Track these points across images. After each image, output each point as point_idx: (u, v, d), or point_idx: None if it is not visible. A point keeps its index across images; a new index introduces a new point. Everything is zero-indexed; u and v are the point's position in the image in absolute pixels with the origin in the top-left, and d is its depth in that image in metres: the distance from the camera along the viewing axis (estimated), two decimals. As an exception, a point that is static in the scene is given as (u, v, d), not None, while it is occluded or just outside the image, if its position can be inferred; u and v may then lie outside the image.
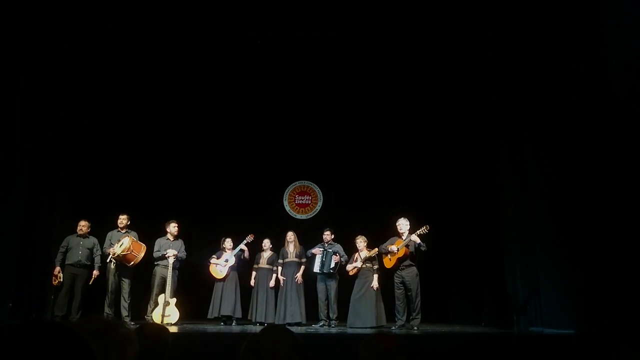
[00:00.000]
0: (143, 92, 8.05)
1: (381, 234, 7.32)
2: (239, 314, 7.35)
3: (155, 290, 6.95)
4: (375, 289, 6.87)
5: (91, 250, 6.88)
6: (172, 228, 7.24)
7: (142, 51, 7.24)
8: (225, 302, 7.26)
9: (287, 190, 9.69)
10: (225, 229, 8.15)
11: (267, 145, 9.25)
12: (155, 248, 7.09)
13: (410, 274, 6.60)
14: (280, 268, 7.42)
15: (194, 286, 7.77)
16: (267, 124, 9.03)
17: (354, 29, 6.83)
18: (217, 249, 7.66)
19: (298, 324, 6.99)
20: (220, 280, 7.38)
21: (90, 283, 6.78)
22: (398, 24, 6.72)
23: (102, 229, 7.07)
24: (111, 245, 6.84)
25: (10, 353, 0.86)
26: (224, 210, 9.08)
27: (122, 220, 7.02)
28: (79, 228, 6.86)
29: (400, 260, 6.64)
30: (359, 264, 7.03)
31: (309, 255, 7.36)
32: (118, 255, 6.66)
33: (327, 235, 7.38)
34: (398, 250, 6.61)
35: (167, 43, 7.12)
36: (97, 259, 6.89)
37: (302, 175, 9.69)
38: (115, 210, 7.25)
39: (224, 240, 7.57)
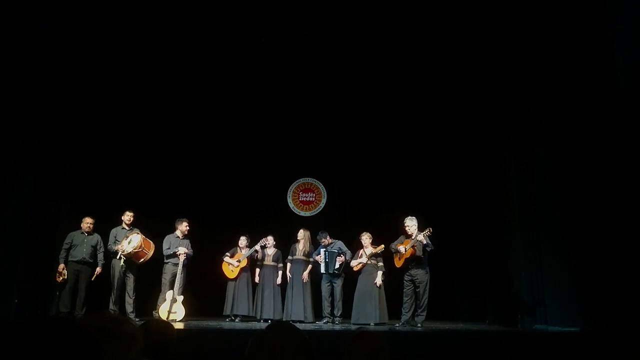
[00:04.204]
0: (147, 90, 8.05)
1: (385, 231, 7.33)
2: (253, 312, 7.32)
3: (168, 287, 6.98)
4: (379, 286, 6.88)
5: (95, 247, 6.91)
6: (184, 227, 7.29)
7: (148, 49, 7.25)
8: (239, 302, 7.25)
9: (291, 188, 9.70)
10: (229, 226, 8.19)
11: (271, 142, 9.25)
12: (165, 246, 7.13)
13: (420, 272, 6.63)
14: (289, 265, 7.42)
15: (200, 284, 7.78)
16: (271, 121, 9.02)
17: (359, 27, 6.81)
18: (220, 247, 7.65)
19: (300, 322, 6.98)
20: (232, 279, 7.38)
21: (92, 279, 6.81)
22: (405, 21, 6.69)
23: (104, 225, 7.09)
24: (116, 242, 6.87)
25: (18, 348, 0.86)
26: (227, 208, 9.11)
27: (130, 217, 7.05)
28: (86, 225, 6.88)
29: (407, 261, 6.68)
30: (364, 260, 7.04)
31: (312, 262, 7.34)
32: (129, 253, 6.69)
33: (324, 242, 7.34)
34: (405, 250, 6.63)
35: (172, 41, 7.12)
36: (101, 256, 6.92)
37: (306, 172, 9.69)
38: (118, 207, 7.29)
39: (240, 239, 7.54)
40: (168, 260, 7.11)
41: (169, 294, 6.89)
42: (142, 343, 1.47)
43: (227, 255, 7.43)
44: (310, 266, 7.34)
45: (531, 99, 6.60)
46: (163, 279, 7.07)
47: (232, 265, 7.35)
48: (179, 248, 7.08)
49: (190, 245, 7.29)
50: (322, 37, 7.06)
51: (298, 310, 7.17)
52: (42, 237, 6.58)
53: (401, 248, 6.69)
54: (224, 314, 7.27)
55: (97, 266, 6.87)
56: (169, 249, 7.11)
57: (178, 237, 7.27)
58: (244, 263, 7.35)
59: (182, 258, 7.01)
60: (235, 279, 7.34)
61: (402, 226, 6.85)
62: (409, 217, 6.86)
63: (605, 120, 5.19)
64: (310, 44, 7.23)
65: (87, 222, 6.90)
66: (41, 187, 6.54)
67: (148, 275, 7.20)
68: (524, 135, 6.75)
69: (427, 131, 8.86)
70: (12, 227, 6.02)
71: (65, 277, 6.62)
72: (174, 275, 6.99)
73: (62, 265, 6.65)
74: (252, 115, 8.91)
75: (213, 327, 6.18)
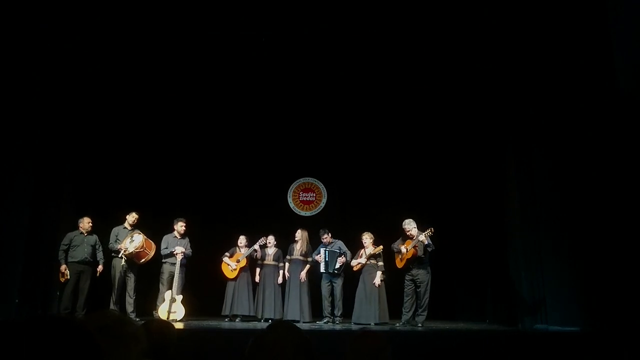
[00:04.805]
0: (148, 90, 8.06)
1: (385, 231, 7.33)
2: (254, 312, 7.33)
3: (165, 287, 7.01)
4: (377, 286, 6.88)
5: (94, 246, 6.92)
6: (180, 227, 7.30)
7: (148, 49, 7.25)
8: (239, 302, 7.24)
9: (291, 187, 9.70)
10: (230, 226, 8.17)
11: (271, 142, 9.24)
12: (163, 245, 7.15)
13: (421, 272, 6.64)
14: (287, 264, 7.42)
15: (200, 284, 7.78)
16: (271, 121, 9.02)
17: (359, 27, 6.81)
18: (220, 247, 7.65)
19: (296, 322, 6.95)
20: (231, 279, 7.38)
21: (97, 276, 6.84)
22: (405, 21, 6.70)
23: (103, 224, 7.10)
24: (117, 241, 6.87)
25: (18, 348, 0.86)
26: (228, 208, 9.10)
27: (134, 218, 7.07)
28: (87, 225, 6.87)
29: (409, 262, 6.68)
30: (363, 260, 7.04)
31: (313, 262, 7.34)
32: (131, 253, 6.70)
33: (325, 239, 7.35)
34: (407, 251, 6.63)
35: (172, 41, 7.13)
36: (100, 254, 6.94)
37: (307, 172, 9.69)
38: (118, 207, 7.31)
39: (239, 238, 7.54)
40: (165, 260, 7.14)
41: (167, 294, 6.90)
42: (145, 344, 1.47)
43: (227, 255, 7.43)
44: (308, 266, 7.34)
45: (531, 99, 6.59)
46: (161, 279, 7.10)
47: (231, 266, 7.34)
48: (176, 247, 7.09)
49: (189, 245, 7.31)
50: (322, 37, 7.06)
51: (294, 310, 7.17)
52: (42, 237, 6.59)
53: (403, 248, 6.70)
54: (222, 314, 7.27)
55: (98, 265, 6.88)
56: (166, 248, 7.14)
57: (176, 237, 7.28)
58: (243, 263, 7.35)
59: (179, 257, 7.02)
60: (235, 279, 7.34)
61: (402, 230, 6.83)
62: (407, 220, 6.84)
63: (605, 121, 5.19)
64: (310, 44, 7.23)
65: (87, 222, 6.90)
66: (41, 187, 6.55)
67: (148, 275, 7.20)
68: (524, 135, 6.75)
69: (427, 131, 8.86)
70: (12, 227, 6.03)
71: (68, 277, 6.62)
72: (171, 275, 7.01)
73: (64, 266, 6.64)
74: (252, 115, 8.91)
75: (213, 327, 6.18)
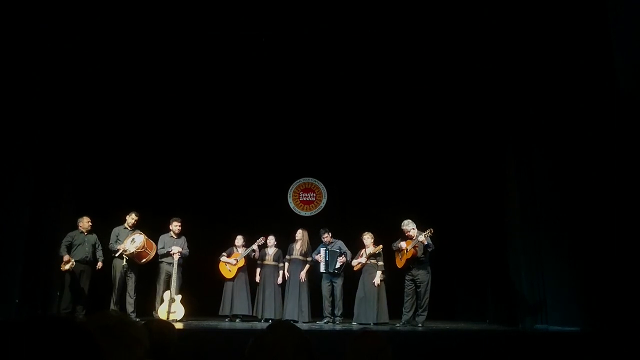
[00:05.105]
0: (148, 90, 8.06)
1: (385, 231, 7.32)
2: (252, 312, 7.32)
3: (162, 286, 7.00)
4: (377, 285, 6.88)
5: (94, 246, 6.93)
6: (175, 227, 7.29)
7: (148, 49, 7.25)
8: (238, 302, 7.25)
9: (291, 187, 9.70)
10: (230, 226, 8.17)
11: (271, 142, 9.24)
12: (160, 245, 7.14)
13: (421, 272, 6.64)
14: (286, 264, 7.42)
15: (200, 283, 7.77)
16: (271, 121, 9.03)
17: (359, 27, 6.81)
18: (220, 247, 7.65)
19: (294, 322, 6.93)
20: (229, 279, 7.38)
21: (97, 270, 6.84)
22: (404, 21, 6.70)
23: (103, 224, 7.10)
24: (117, 241, 6.87)
25: (18, 348, 0.86)
26: (228, 208, 9.09)
27: (134, 219, 7.05)
28: (86, 224, 6.87)
29: (409, 262, 6.68)
30: (363, 259, 7.04)
31: (313, 261, 7.34)
32: (132, 253, 6.70)
33: (326, 238, 7.36)
34: (407, 250, 6.63)
35: (172, 41, 7.13)
36: (100, 253, 6.95)
37: (307, 172, 9.69)
38: (118, 207, 7.30)
39: (236, 238, 7.55)
40: (162, 260, 7.13)
41: (166, 294, 6.89)
42: (147, 345, 1.47)
43: (224, 255, 7.43)
44: (307, 266, 7.33)
45: (531, 99, 6.60)
46: (158, 279, 7.08)
47: (229, 265, 7.33)
48: (173, 247, 7.09)
49: (186, 245, 7.29)
50: (322, 37, 7.06)
51: (292, 310, 7.17)
52: (42, 237, 6.59)
53: (403, 244, 6.70)
54: (220, 314, 7.26)
55: (97, 263, 6.88)
56: (163, 248, 7.13)
57: (172, 236, 7.27)
58: (241, 263, 7.35)
59: (176, 257, 7.02)
60: (232, 279, 7.34)
61: (402, 232, 6.82)
62: (405, 221, 6.83)
63: (605, 120, 5.19)
64: (310, 44, 7.23)
65: (87, 221, 6.90)
66: (41, 187, 6.55)
67: (149, 275, 7.19)
68: (524, 135, 6.75)
69: (428, 131, 8.86)
70: (12, 227, 6.03)
71: (73, 265, 6.59)
72: (168, 275, 7.02)
73: (67, 256, 6.58)
74: (252, 115, 8.91)
75: (213, 327, 6.19)
